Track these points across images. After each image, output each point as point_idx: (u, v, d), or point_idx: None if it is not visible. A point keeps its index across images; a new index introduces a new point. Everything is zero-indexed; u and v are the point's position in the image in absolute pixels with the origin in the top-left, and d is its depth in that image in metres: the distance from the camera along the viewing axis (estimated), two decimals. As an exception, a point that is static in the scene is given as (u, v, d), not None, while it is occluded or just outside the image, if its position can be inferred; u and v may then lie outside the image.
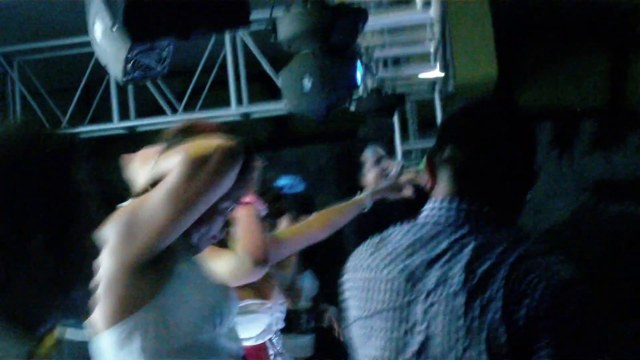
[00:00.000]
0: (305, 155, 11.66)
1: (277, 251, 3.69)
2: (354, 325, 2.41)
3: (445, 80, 7.51)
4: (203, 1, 2.74)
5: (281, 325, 4.21)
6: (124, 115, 8.49)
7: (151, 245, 2.51)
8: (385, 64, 7.24)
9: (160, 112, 8.51)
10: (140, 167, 2.77)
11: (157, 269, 2.55)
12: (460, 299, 2.17)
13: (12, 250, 1.71)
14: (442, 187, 2.35)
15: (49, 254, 1.74)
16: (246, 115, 8.51)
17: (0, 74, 8.70)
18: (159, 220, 2.49)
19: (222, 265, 3.43)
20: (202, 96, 8.41)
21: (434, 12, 5.00)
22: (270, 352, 4.07)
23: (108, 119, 8.52)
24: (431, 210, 2.35)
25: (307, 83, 4.26)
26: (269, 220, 5.80)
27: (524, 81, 11.36)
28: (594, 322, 2.06)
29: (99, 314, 2.55)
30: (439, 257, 2.26)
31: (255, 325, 3.99)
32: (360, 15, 4.15)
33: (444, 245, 2.27)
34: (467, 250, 2.22)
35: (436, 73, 6.99)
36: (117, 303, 2.53)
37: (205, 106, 8.49)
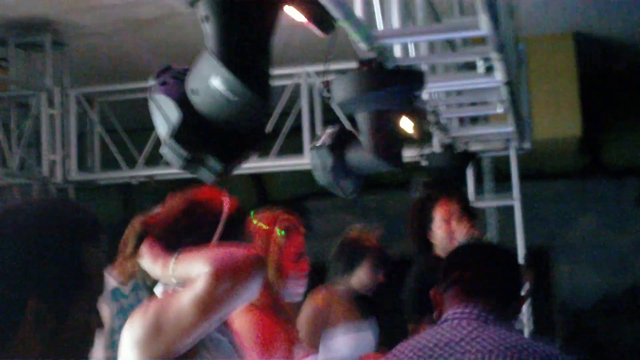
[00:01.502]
0: (385, 200, 11.61)
1: None
2: None
3: (521, 136, 7.38)
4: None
5: None
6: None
7: (176, 346, 2.60)
8: (461, 121, 7.17)
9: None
10: (152, 265, 2.81)
11: None
12: None
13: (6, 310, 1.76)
14: (452, 303, 2.93)
15: (43, 321, 1.77)
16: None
17: (80, 113, 8.80)
18: (186, 324, 2.58)
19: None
20: (276, 143, 8.39)
21: (499, 75, 4.91)
22: None
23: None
24: (445, 319, 2.90)
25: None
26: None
27: (608, 138, 11.17)
28: None
29: None
30: (453, 342, 2.80)
31: None
32: (416, 80, 4.09)
33: (459, 336, 2.80)
34: (477, 341, 2.75)
35: (508, 130, 6.88)
36: None
37: (280, 155, 8.48)
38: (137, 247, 2.84)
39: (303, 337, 4.92)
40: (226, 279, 2.56)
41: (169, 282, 2.74)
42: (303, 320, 5.48)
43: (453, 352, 2.73)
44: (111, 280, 6.95)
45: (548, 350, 2.69)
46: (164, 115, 2.80)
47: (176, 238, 2.81)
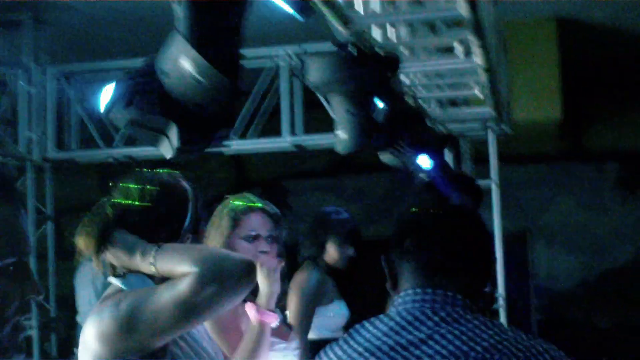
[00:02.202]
0: (365, 184, 11.60)
1: None
2: None
3: (500, 119, 7.37)
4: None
5: None
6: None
7: (148, 345, 2.49)
8: (440, 104, 7.16)
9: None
10: (128, 255, 2.67)
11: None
12: None
13: None
14: (408, 279, 2.37)
15: None
16: (300, 147, 8.44)
17: (59, 91, 8.73)
18: (163, 324, 2.47)
19: None
20: (253, 125, 8.33)
21: (478, 59, 4.89)
22: None
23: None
24: (404, 302, 2.34)
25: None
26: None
27: (589, 123, 11.20)
28: None
29: None
30: (414, 345, 2.23)
31: None
32: (390, 63, 4.07)
33: (421, 334, 2.24)
34: (448, 340, 2.21)
35: (486, 113, 6.87)
36: None
37: (259, 136, 8.43)
38: (105, 235, 2.70)
39: (293, 321, 4.94)
40: (212, 284, 2.43)
41: (149, 272, 2.60)
42: (292, 307, 5.57)
43: (417, 356, 2.19)
44: None
45: (536, 349, 2.19)
46: None
47: (151, 228, 2.70)
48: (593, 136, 11.30)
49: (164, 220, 2.75)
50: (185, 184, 2.86)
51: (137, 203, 2.75)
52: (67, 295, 8.16)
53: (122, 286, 2.64)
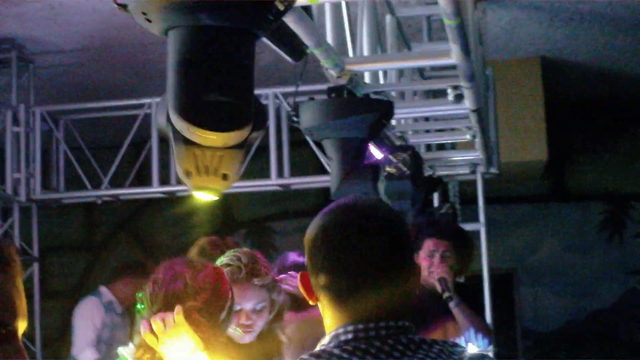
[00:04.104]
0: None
1: None
2: None
3: (488, 162, 7.39)
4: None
5: None
6: (164, 180, 8.46)
7: None
8: (428, 147, 7.19)
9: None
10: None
11: None
12: None
13: None
14: (339, 313, 2.07)
15: None
16: (285, 186, 8.46)
17: (46, 131, 8.72)
18: None
19: None
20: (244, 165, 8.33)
21: (469, 103, 4.90)
22: None
23: (149, 181, 8.51)
24: (344, 341, 2.04)
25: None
26: None
27: (573, 163, 11.25)
28: None
29: None
30: None
31: None
32: (385, 109, 4.08)
33: None
34: None
35: (475, 157, 6.89)
36: None
37: (246, 176, 8.42)
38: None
39: None
40: None
41: None
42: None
43: None
44: (107, 292, 7.43)
45: None
46: None
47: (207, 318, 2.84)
48: (577, 177, 11.34)
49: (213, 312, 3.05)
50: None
51: None
52: (52, 336, 8.12)
53: None
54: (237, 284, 3.68)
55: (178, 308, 2.80)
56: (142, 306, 2.82)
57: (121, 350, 2.79)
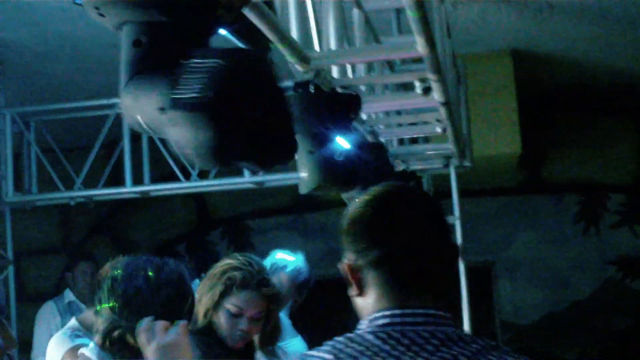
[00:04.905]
0: (328, 221, 11.56)
1: None
2: None
3: (461, 155, 7.38)
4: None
5: None
6: (137, 180, 8.42)
7: None
8: (401, 140, 7.17)
9: (174, 178, 8.44)
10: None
11: None
12: None
13: None
14: (382, 295, 2.10)
15: None
16: (260, 184, 8.43)
17: (17, 133, 8.66)
18: None
19: None
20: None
21: (437, 96, 4.88)
22: None
23: (123, 181, 8.47)
24: (384, 324, 2.06)
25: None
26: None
27: (547, 155, 11.28)
28: None
29: None
30: None
31: None
32: (352, 103, 4.07)
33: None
34: None
35: (447, 149, 6.88)
36: None
37: (220, 174, 8.42)
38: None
39: None
40: None
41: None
42: None
43: None
44: (69, 293, 7.68)
45: None
46: None
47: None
48: (551, 168, 11.36)
49: None
50: None
51: None
52: (29, 340, 8.07)
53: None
54: (246, 289, 3.76)
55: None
56: (100, 307, 2.80)
57: (83, 350, 2.76)
